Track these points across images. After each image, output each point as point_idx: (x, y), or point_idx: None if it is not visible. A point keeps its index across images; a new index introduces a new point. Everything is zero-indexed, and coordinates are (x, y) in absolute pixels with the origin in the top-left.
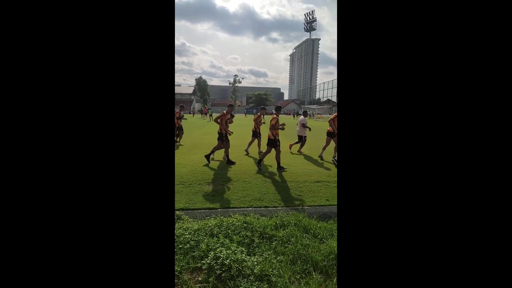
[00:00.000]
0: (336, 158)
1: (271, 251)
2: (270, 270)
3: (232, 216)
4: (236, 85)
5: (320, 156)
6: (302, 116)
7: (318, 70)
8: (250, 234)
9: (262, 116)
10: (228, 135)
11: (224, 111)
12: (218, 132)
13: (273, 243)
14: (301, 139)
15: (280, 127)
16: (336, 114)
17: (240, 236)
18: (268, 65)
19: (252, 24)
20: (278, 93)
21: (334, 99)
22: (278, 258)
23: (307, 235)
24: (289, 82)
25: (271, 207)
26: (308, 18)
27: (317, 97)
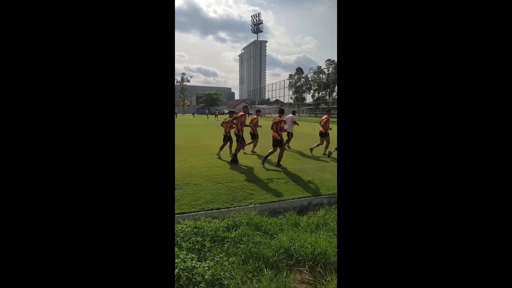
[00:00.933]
0: (329, 151)
1: (223, 253)
2: (222, 273)
3: (181, 223)
4: (184, 83)
5: (311, 149)
6: (291, 114)
7: (266, 71)
8: (201, 239)
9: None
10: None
11: (240, 112)
12: (235, 134)
13: (225, 245)
14: (289, 135)
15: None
16: (327, 116)
17: (190, 243)
18: (218, 65)
19: (199, 22)
20: (228, 93)
21: (282, 99)
22: (230, 259)
23: (258, 232)
24: (240, 82)
25: (223, 208)
26: (254, 20)
27: (266, 97)
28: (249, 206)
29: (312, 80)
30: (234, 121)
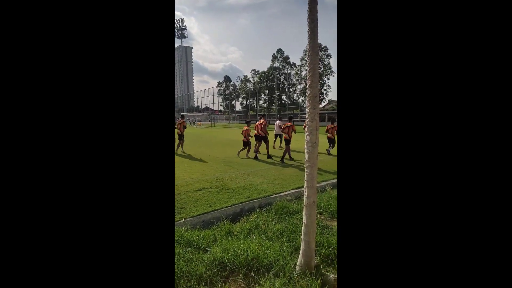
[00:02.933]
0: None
1: None
2: None
3: None
4: None
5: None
6: (278, 121)
7: (194, 78)
8: None
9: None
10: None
11: (263, 120)
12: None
13: None
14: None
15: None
16: (264, 120)
17: None
18: None
19: None
20: None
21: (212, 106)
22: None
23: (190, 248)
24: None
25: None
26: (178, 25)
27: (195, 105)
28: (180, 222)
29: (240, 88)
30: (260, 126)
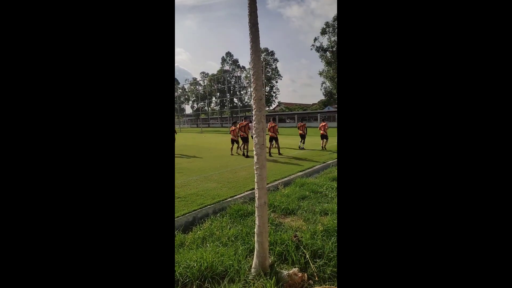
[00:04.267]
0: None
1: None
2: None
3: None
4: None
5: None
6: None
7: None
8: None
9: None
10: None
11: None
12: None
13: None
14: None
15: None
16: (247, 122)
17: None
18: None
19: None
20: None
21: None
22: None
23: None
24: None
25: None
26: None
27: None
28: None
29: (189, 91)
30: (242, 128)
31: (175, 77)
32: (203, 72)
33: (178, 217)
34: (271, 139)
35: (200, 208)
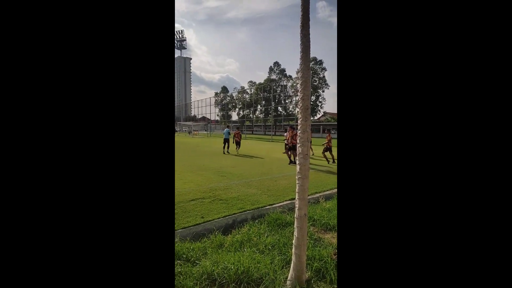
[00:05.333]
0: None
1: None
2: None
3: None
4: None
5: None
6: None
7: (192, 88)
8: None
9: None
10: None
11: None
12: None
13: None
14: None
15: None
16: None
17: None
18: None
19: None
20: None
21: (209, 116)
22: None
23: (179, 261)
24: None
25: None
26: (178, 37)
27: (192, 114)
28: None
29: (237, 99)
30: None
31: (225, 85)
32: (250, 81)
33: (219, 218)
34: (291, 148)
35: (240, 212)
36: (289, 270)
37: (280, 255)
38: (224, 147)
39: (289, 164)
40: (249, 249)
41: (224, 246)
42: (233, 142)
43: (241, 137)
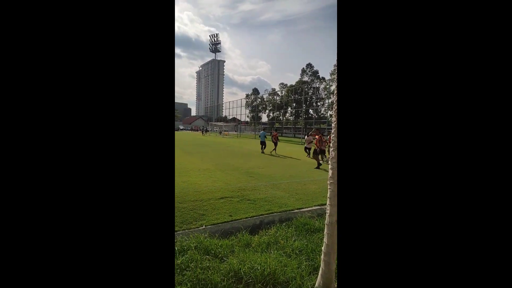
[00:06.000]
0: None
1: None
2: None
3: None
4: None
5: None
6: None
7: (224, 89)
8: None
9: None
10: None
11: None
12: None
13: None
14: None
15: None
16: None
17: None
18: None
19: None
20: (184, 108)
21: (239, 117)
22: None
23: (208, 256)
24: (197, 99)
25: None
26: (213, 40)
27: (224, 115)
28: (200, 228)
29: (267, 101)
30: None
31: (256, 87)
32: (281, 83)
33: (247, 218)
34: (318, 152)
35: (267, 214)
36: (316, 276)
37: (307, 261)
38: (262, 148)
39: (315, 168)
40: (275, 251)
41: (251, 245)
42: (273, 142)
43: (278, 138)
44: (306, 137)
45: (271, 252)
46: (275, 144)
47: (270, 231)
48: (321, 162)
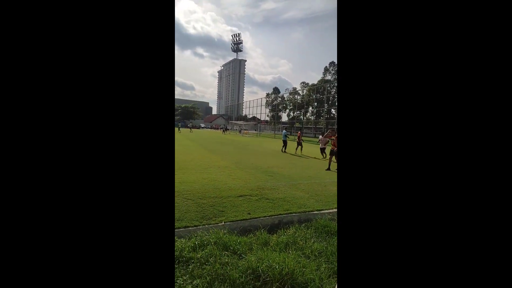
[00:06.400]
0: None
1: (187, 275)
2: None
3: None
4: None
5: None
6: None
7: (245, 89)
8: None
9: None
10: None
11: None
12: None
13: (190, 266)
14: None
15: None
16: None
17: None
18: (195, 79)
19: (177, 36)
20: (206, 107)
21: (259, 116)
22: (194, 282)
23: (226, 252)
24: (218, 98)
25: (191, 226)
26: (235, 40)
27: (244, 114)
28: (219, 224)
29: (287, 100)
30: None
31: (276, 87)
32: (303, 82)
33: (265, 216)
34: (335, 152)
35: (286, 214)
36: (336, 280)
37: (327, 263)
38: (283, 148)
39: (326, 170)
40: (294, 251)
41: (269, 244)
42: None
43: (300, 138)
44: (320, 137)
45: (289, 252)
46: (299, 144)
47: (288, 231)
48: (334, 162)
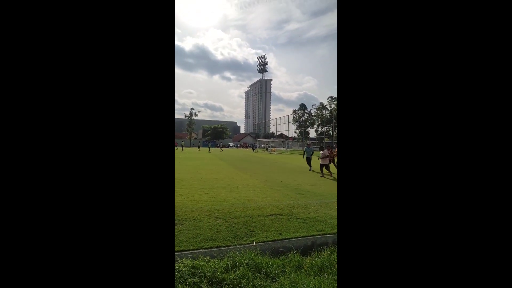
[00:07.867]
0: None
1: None
2: None
3: (179, 261)
4: (192, 118)
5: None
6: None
7: (271, 107)
8: (198, 281)
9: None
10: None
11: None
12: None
13: (223, 287)
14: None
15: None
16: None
17: (186, 284)
18: (223, 100)
19: (206, 63)
20: (234, 126)
21: (286, 133)
22: None
23: (259, 274)
24: (245, 117)
25: (223, 246)
26: (260, 61)
27: (271, 131)
28: (250, 244)
29: (315, 116)
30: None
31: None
32: (330, 97)
33: (297, 237)
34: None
35: (320, 235)
36: None
37: None
38: (309, 165)
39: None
40: (330, 276)
41: (303, 267)
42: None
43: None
44: (321, 152)
45: (325, 277)
46: (332, 161)
47: (323, 253)
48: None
